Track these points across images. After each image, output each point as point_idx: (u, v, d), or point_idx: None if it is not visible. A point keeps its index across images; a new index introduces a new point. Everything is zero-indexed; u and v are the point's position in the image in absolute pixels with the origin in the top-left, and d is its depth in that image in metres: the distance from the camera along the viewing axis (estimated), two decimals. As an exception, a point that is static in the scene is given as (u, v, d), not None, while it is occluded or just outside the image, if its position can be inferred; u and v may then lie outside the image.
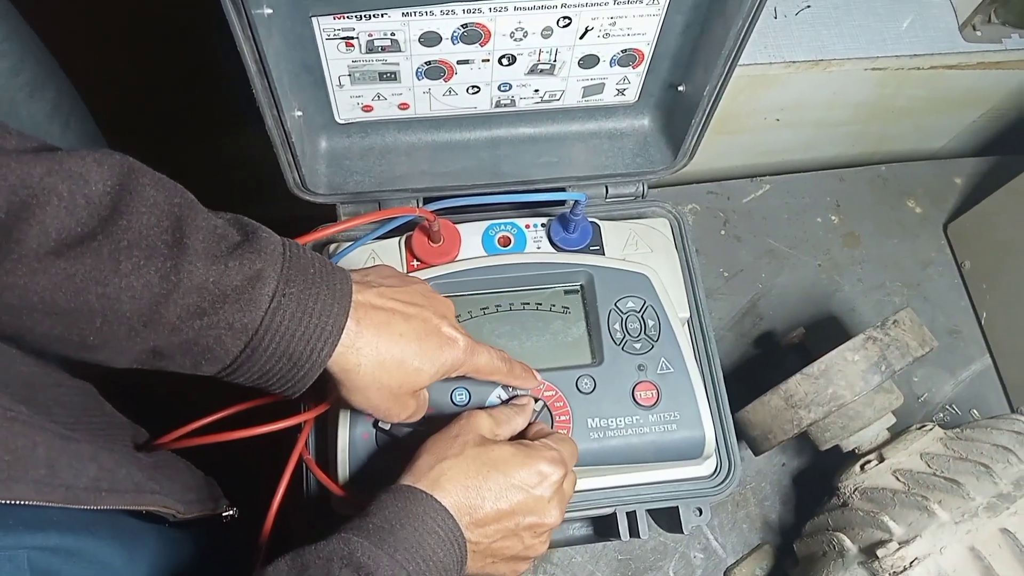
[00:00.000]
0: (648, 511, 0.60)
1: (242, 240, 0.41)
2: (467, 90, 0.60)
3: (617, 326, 0.59)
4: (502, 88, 0.60)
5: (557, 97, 0.62)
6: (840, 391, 0.61)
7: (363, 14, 0.51)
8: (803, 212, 0.93)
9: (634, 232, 0.64)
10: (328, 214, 0.64)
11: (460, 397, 0.55)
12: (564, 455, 0.49)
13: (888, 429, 0.66)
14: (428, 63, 0.56)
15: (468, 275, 0.60)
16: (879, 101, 0.93)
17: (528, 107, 0.63)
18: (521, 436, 0.53)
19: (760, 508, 0.78)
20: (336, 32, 0.52)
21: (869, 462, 0.65)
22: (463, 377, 0.56)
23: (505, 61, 0.57)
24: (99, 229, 0.36)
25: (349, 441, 0.54)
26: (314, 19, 0.51)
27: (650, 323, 0.59)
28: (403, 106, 0.61)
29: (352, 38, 0.53)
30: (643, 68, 0.61)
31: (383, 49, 0.54)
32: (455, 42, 0.54)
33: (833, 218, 0.93)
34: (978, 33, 0.86)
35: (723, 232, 0.91)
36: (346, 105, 0.60)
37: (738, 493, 0.78)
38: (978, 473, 0.58)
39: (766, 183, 0.94)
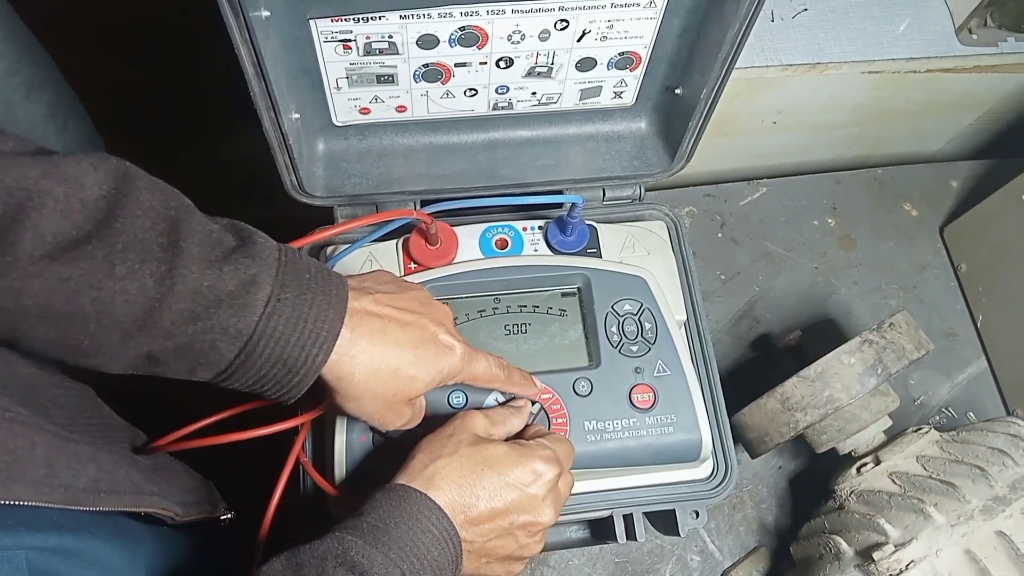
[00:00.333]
0: (645, 514, 0.60)
1: (238, 245, 0.41)
2: (464, 93, 0.60)
3: (614, 329, 0.59)
4: (499, 91, 0.60)
5: (554, 100, 0.62)
6: (836, 394, 0.61)
7: (361, 17, 0.51)
8: (800, 215, 0.93)
9: (631, 235, 0.64)
10: (325, 216, 0.64)
11: (457, 400, 0.55)
12: (559, 454, 0.49)
13: (884, 432, 0.67)
14: (426, 66, 0.56)
15: (465, 278, 0.60)
16: (876, 104, 0.93)
17: (525, 110, 0.63)
18: (518, 437, 0.53)
19: (757, 511, 0.78)
20: (334, 35, 0.52)
21: (865, 465, 0.65)
22: (461, 380, 0.57)
23: (503, 64, 0.57)
24: (94, 232, 0.36)
25: (346, 443, 0.54)
26: (312, 21, 0.51)
27: (647, 326, 0.59)
28: (400, 108, 0.61)
29: (350, 40, 0.53)
30: (640, 71, 0.61)
31: (381, 52, 0.54)
32: (453, 45, 0.54)
33: (830, 221, 0.93)
34: (974, 37, 0.87)
35: (720, 235, 0.91)
36: (343, 107, 0.60)
37: (735, 496, 0.78)
38: (974, 476, 0.58)
39: (763, 186, 0.94)
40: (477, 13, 0.52)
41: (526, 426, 0.54)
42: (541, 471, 0.47)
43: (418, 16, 0.52)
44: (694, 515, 0.60)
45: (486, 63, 0.57)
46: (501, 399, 0.56)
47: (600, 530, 0.71)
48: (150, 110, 1.00)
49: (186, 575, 0.49)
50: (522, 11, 0.52)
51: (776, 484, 0.79)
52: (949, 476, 0.59)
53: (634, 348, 0.58)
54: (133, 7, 0.86)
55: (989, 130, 1.04)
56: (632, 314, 0.59)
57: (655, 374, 0.58)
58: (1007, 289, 0.83)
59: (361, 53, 0.54)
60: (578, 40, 0.56)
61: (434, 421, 0.54)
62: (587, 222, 0.63)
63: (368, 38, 0.53)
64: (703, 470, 0.60)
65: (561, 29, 0.55)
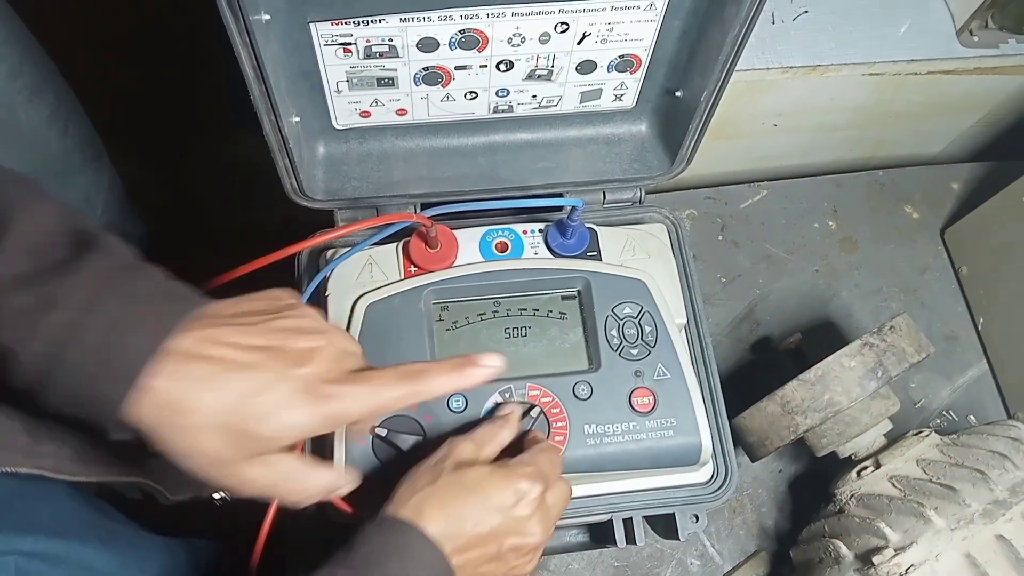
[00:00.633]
0: (645, 518, 0.60)
1: (64, 259, 0.36)
2: (465, 96, 0.60)
3: (614, 332, 0.59)
4: (500, 94, 0.60)
5: (555, 103, 0.62)
6: (837, 397, 0.61)
7: (361, 20, 0.51)
8: (800, 217, 0.93)
9: (631, 238, 0.64)
10: (326, 220, 0.64)
11: (457, 404, 0.55)
12: (543, 468, 0.48)
13: (885, 435, 0.66)
14: (426, 69, 0.56)
15: (465, 281, 0.60)
16: (876, 106, 0.93)
17: (526, 113, 0.63)
18: (516, 445, 0.52)
19: (757, 515, 0.78)
20: (334, 38, 0.52)
21: (866, 468, 0.65)
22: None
23: (503, 67, 0.57)
24: None
25: (346, 448, 0.54)
26: (312, 25, 0.51)
27: (647, 329, 0.59)
28: (401, 112, 0.61)
29: (350, 44, 0.53)
30: (640, 74, 0.61)
31: (381, 55, 0.54)
32: (453, 48, 0.54)
33: (830, 223, 0.93)
34: (975, 38, 0.87)
35: (720, 238, 0.91)
36: (344, 111, 0.60)
37: (735, 500, 0.78)
38: (974, 480, 0.58)
39: (763, 188, 0.94)
40: (477, 16, 0.52)
41: (526, 432, 0.54)
42: (524, 490, 0.46)
43: (418, 19, 0.52)
44: (694, 519, 0.59)
45: (486, 66, 0.57)
46: (501, 402, 0.56)
47: (600, 534, 0.71)
48: (151, 113, 1.00)
49: None
50: (522, 14, 0.52)
51: (776, 488, 0.79)
52: (949, 480, 0.59)
53: (634, 351, 0.58)
54: (134, 10, 0.86)
55: (990, 132, 1.04)
56: (632, 317, 0.59)
57: (655, 377, 0.58)
58: (1008, 292, 0.83)
59: (361, 56, 0.54)
60: (578, 43, 0.56)
61: (435, 427, 0.54)
62: (587, 225, 0.63)
63: (368, 41, 0.53)
64: (703, 474, 0.60)
65: (561, 32, 0.55)
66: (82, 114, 0.89)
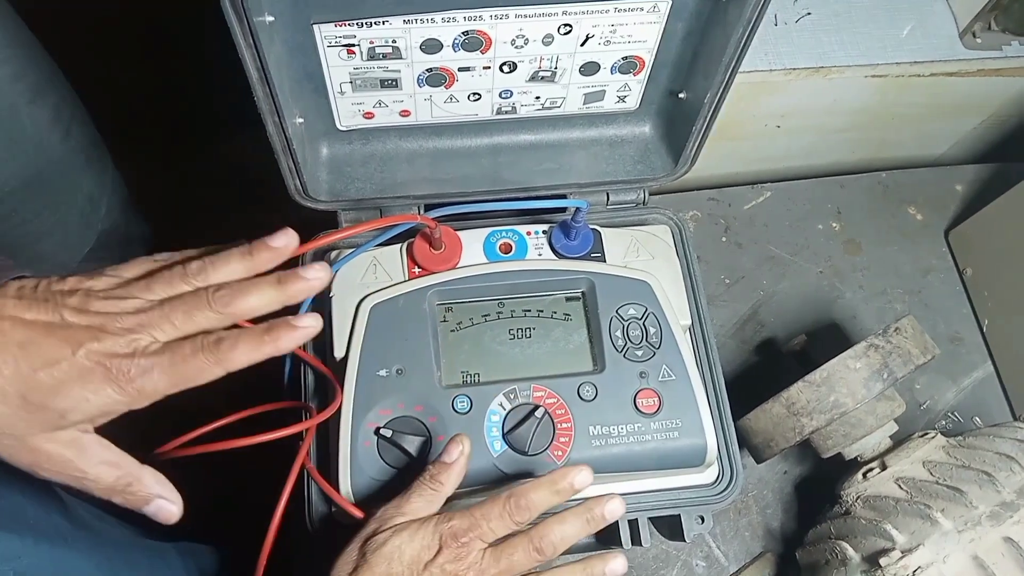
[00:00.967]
0: (650, 519, 0.60)
1: None
2: (468, 97, 0.60)
3: (619, 333, 0.59)
4: (503, 95, 0.60)
5: (558, 104, 0.62)
6: (842, 399, 0.61)
7: (364, 21, 0.51)
8: (804, 219, 0.93)
9: (635, 239, 0.64)
10: (329, 221, 0.64)
11: (462, 405, 0.55)
12: (474, 519, 0.45)
13: (890, 437, 0.66)
14: (429, 70, 0.56)
15: (469, 282, 0.60)
16: (880, 108, 0.93)
17: (529, 114, 0.63)
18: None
19: (762, 516, 0.77)
20: (337, 39, 0.52)
21: (871, 470, 0.64)
22: (464, 384, 0.57)
23: (506, 68, 0.57)
24: None
25: (351, 449, 0.53)
26: (315, 26, 0.51)
27: (651, 330, 0.59)
28: (404, 113, 0.61)
29: (353, 45, 0.53)
30: (644, 75, 0.61)
31: (384, 56, 0.54)
32: (456, 49, 0.54)
33: (834, 225, 0.93)
34: (978, 40, 0.87)
35: (724, 239, 0.90)
36: (347, 112, 0.60)
37: (740, 501, 0.78)
38: (981, 481, 0.58)
39: (767, 190, 0.94)
40: (480, 18, 0.52)
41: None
42: (451, 533, 0.44)
43: (421, 21, 0.52)
44: (699, 520, 0.59)
45: (489, 67, 0.57)
46: (507, 405, 0.55)
47: (605, 535, 0.70)
48: (154, 114, 1.00)
49: None
50: (525, 16, 0.52)
51: (782, 489, 0.79)
52: (956, 481, 0.59)
53: (639, 353, 0.58)
54: (137, 11, 0.87)
55: (993, 134, 1.04)
56: (637, 318, 0.59)
57: (660, 379, 0.58)
58: (1013, 293, 0.83)
59: (365, 58, 0.54)
60: (581, 44, 0.56)
61: (440, 426, 0.54)
62: (591, 226, 0.63)
63: (372, 43, 0.53)
64: (708, 475, 0.60)
65: (564, 34, 0.55)
66: (85, 116, 0.89)
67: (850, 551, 0.60)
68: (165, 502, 0.43)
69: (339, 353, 0.57)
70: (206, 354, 0.40)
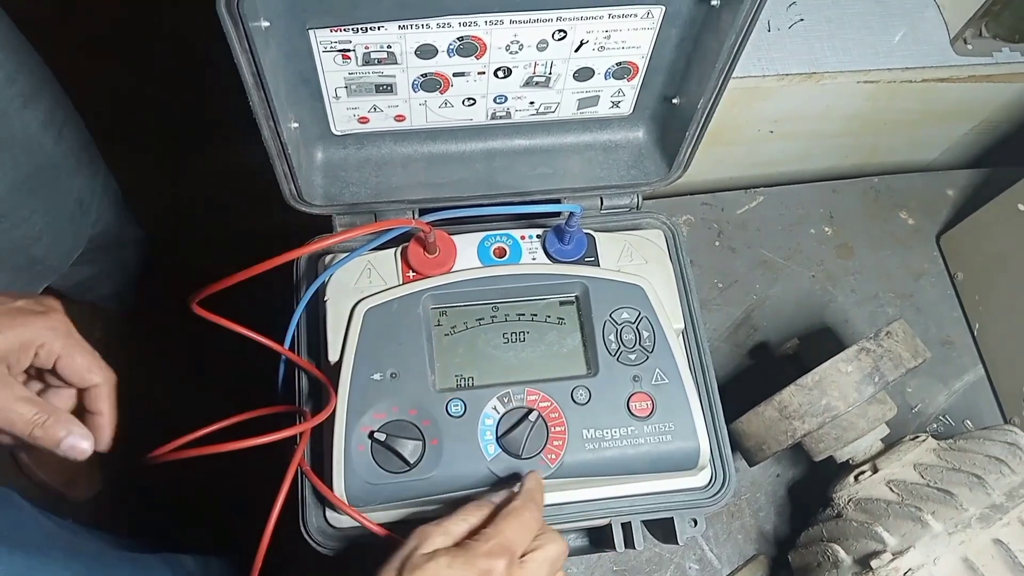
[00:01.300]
0: (643, 522, 0.60)
1: None
2: (463, 102, 0.60)
3: (612, 337, 0.59)
4: (498, 100, 0.60)
5: (552, 109, 0.63)
6: (834, 402, 0.61)
7: (360, 27, 0.51)
8: (797, 223, 0.93)
9: (629, 243, 0.64)
10: (324, 225, 0.65)
11: (456, 408, 0.55)
12: (507, 538, 0.45)
13: (882, 440, 0.67)
14: (424, 75, 0.56)
15: (463, 286, 0.60)
16: (872, 113, 0.94)
17: (524, 119, 0.63)
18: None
19: (755, 519, 0.78)
20: (333, 45, 0.53)
21: (863, 473, 0.65)
22: (458, 388, 0.57)
23: (501, 73, 0.57)
24: None
25: (345, 453, 0.54)
26: (311, 32, 0.51)
27: (645, 334, 0.59)
28: (399, 118, 0.61)
29: (349, 50, 0.53)
30: (638, 81, 0.61)
31: (379, 61, 0.54)
32: (451, 55, 0.55)
33: (827, 229, 0.93)
34: (969, 47, 0.87)
35: (717, 243, 0.91)
36: (342, 117, 0.60)
37: (733, 504, 0.78)
38: (971, 484, 0.58)
39: (760, 195, 0.94)
40: (475, 23, 0.52)
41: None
42: (488, 568, 0.43)
43: (417, 26, 0.52)
44: (692, 523, 0.60)
45: (484, 73, 0.57)
46: (500, 408, 0.56)
47: (598, 538, 0.71)
48: (148, 118, 1.00)
49: None
50: (520, 21, 0.53)
51: (774, 492, 0.79)
52: (946, 484, 0.59)
53: (632, 356, 0.59)
54: (131, 17, 0.87)
55: (985, 139, 1.05)
56: (630, 322, 0.60)
57: (653, 382, 0.58)
58: (1003, 297, 0.83)
59: (360, 63, 0.54)
60: (576, 50, 0.56)
61: (434, 430, 0.54)
62: (585, 231, 0.63)
63: (367, 48, 0.53)
64: (701, 478, 0.60)
65: (559, 39, 0.55)
66: (77, 119, 0.89)
67: (842, 553, 0.61)
68: (77, 438, 0.44)
69: (333, 357, 0.57)
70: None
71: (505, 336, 0.60)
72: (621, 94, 0.62)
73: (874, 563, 0.57)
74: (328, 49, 0.53)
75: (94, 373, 0.47)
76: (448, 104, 0.60)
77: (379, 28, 0.52)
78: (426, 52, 0.54)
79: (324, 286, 0.60)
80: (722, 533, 0.77)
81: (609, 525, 0.60)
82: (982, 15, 0.86)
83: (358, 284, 0.60)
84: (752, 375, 0.84)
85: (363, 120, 0.61)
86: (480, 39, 0.54)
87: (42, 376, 0.47)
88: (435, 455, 0.54)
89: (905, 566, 0.56)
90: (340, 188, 0.64)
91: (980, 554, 0.55)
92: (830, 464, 0.68)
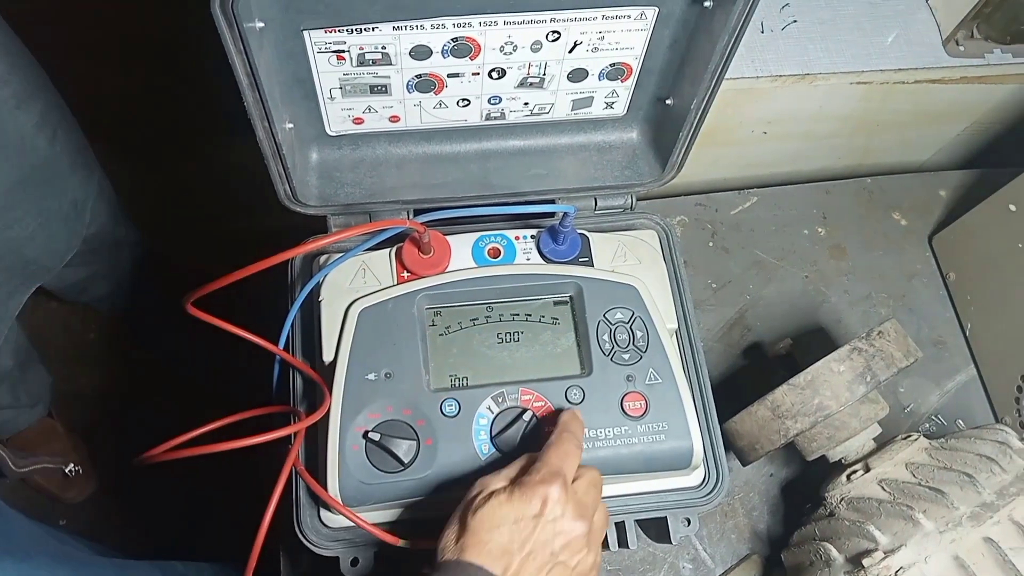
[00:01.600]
0: (637, 521, 0.60)
1: None
2: (457, 103, 0.60)
3: (606, 337, 0.59)
4: (492, 101, 0.61)
5: (546, 110, 0.63)
6: (826, 401, 0.61)
7: (354, 28, 0.52)
8: (790, 224, 0.93)
9: (623, 244, 0.64)
10: (319, 225, 0.65)
11: (450, 408, 0.55)
12: (554, 465, 0.48)
13: (874, 439, 0.67)
14: (419, 76, 0.57)
15: (458, 286, 0.60)
16: (865, 115, 0.94)
17: (518, 120, 0.64)
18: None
19: (748, 518, 0.78)
20: (327, 45, 0.53)
21: (855, 472, 0.65)
22: (453, 387, 0.57)
23: (495, 74, 0.58)
24: None
25: (339, 452, 0.54)
26: (305, 33, 0.51)
27: (638, 334, 0.60)
28: (394, 119, 0.61)
29: (343, 51, 0.53)
30: (631, 82, 0.61)
31: (374, 62, 0.55)
32: (445, 56, 0.55)
33: (820, 230, 0.93)
34: (961, 48, 0.88)
35: (711, 244, 0.91)
36: (337, 117, 0.60)
37: (726, 503, 0.78)
38: (962, 483, 0.58)
39: (753, 195, 0.95)
40: (469, 24, 0.52)
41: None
42: (544, 495, 0.46)
43: (411, 27, 0.52)
44: (686, 523, 0.60)
45: (479, 74, 0.57)
46: (495, 409, 0.56)
47: (592, 538, 0.71)
48: (142, 119, 1.00)
49: None
50: (514, 22, 0.53)
51: (767, 491, 0.79)
52: (938, 483, 0.60)
53: (626, 356, 0.59)
54: (125, 18, 0.87)
55: (977, 140, 1.06)
56: (624, 322, 0.60)
57: (647, 382, 0.58)
58: (995, 298, 0.84)
59: (354, 64, 0.55)
60: (570, 51, 0.57)
61: (428, 429, 0.54)
62: (579, 231, 0.64)
63: (361, 49, 0.53)
64: (694, 478, 0.60)
65: (553, 40, 0.55)
66: (72, 121, 0.89)
67: (834, 552, 0.61)
68: None
69: (328, 357, 0.57)
70: None
71: (499, 336, 0.60)
72: (615, 95, 0.63)
73: (866, 562, 0.57)
74: (323, 50, 0.53)
75: None
76: (442, 105, 0.60)
77: (373, 29, 0.52)
78: (420, 53, 0.54)
79: (319, 286, 0.60)
80: (715, 532, 0.77)
81: (603, 524, 0.60)
82: (974, 17, 0.86)
83: (353, 284, 0.60)
84: (745, 375, 0.85)
85: (358, 121, 0.61)
86: (474, 40, 0.54)
87: None
88: (429, 455, 0.54)
89: (896, 564, 0.56)
90: (335, 189, 0.64)
91: (971, 552, 0.56)
92: (823, 463, 0.68)
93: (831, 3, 0.89)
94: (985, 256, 0.85)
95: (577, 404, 0.57)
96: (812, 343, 0.85)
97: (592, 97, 0.62)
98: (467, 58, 0.55)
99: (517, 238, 0.63)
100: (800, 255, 0.92)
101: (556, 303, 0.61)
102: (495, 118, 0.63)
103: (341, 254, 0.61)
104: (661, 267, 0.64)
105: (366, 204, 0.64)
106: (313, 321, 0.60)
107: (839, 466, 0.67)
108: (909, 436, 0.66)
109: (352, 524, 0.54)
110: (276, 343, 0.60)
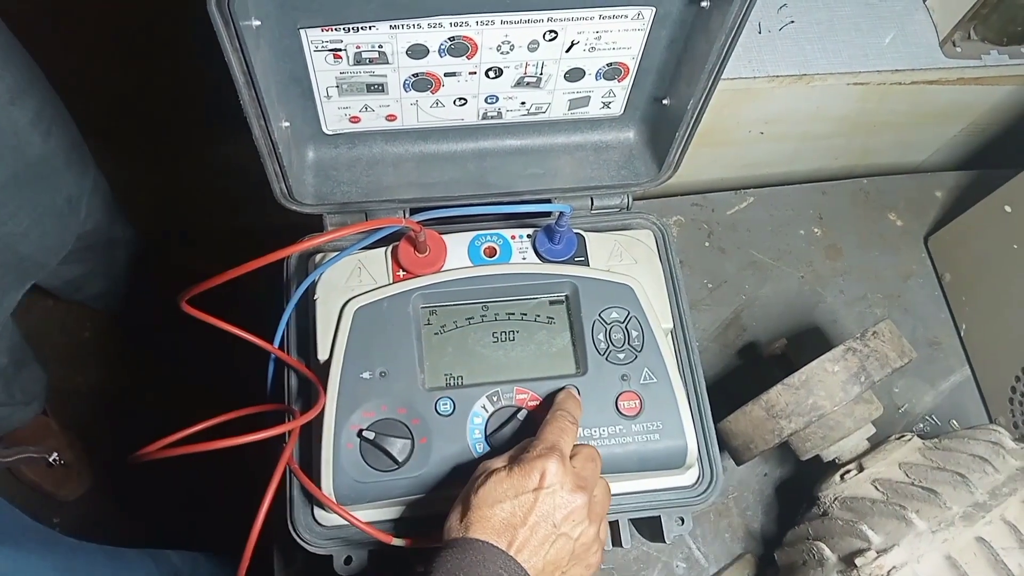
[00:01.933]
0: (631, 520, 0.60)
1: None
2: (454, 102, 0.60)
3: (601, 336, 0.59)
4: (489, 100, 0.61)
5: (543, 110, 0.63)
6: (820, 401, 0.62)
7: (351, 26, 0.51)
8: (786, 224, 0.94)
9: (619, 243, 0.64)
10: (315, 224, 0.65)
11: (445, 407, 0.55)
12: (550, 440, 0.49)
13: (868, 439, 0.67)
14: (415, 75, 0.57)
15: (454, 285, 0.60)
16: (861, 115, 0.94)
17: (515, 119, 0.64)
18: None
19: (742, 518, 0.78)
20: (324, 44, 0.53)
21: (849, 472, 0.65)
22: (448, 386, 0.57)
23: (492, 74, 0.58)
24: None
25: (333, 451, 0.54)
26: (302, 31, 0.51)
27: (634, 334, 0.60)
28: (390, 117, 0.61)
29: (340, 50, 0.53)
30: (628, 82, 0.61)
31: (371, 61, 0.55)
32: (442, 55, 0.55)
33: (816, 231, 0.94)
34: (958, 49, 0.88)
35: (707, 244, 0.91)
36: (334, 116, 0.60)
37: (720, 503, 0.79)
38: (955, 483, 0.59)
39: (750, 196, 0.95)
40: (467, 24, 0.52)
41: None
42: (541, 469, 0.47)
43: (408, 26, 0.52)
44: (680, 522, 0.60)
45: (475, 73, 0.57)
46: (489, 408, 0.56)
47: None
48: (138, 116, 1.00)
49: None
50: (511, 22, 0.53)
51: (761, 491, 0.80)
52: (931, 483, 0.60)
53: (621, 356, 0.59)
54: (121, 14, 0.86)
55: (973, 141, 1.06)
56: (619, 322, 0.60)
57: (642, 382, 0.58)
58: (990, 298, 0.84)
59: (351, 62, 0.55)
60: (567, 51, 0.57)
61: (423, 428, 0.54)
62: (575, 231, 0.64)
63: (358, 47, 0.53)
64: (689, 477, 0.60)
65: (550, 40, 0.55)
66: (67, 117, 0.89)
67: (827, 551, 0.61)
68: None
69: (323, 356, 0.57)
70: None
71: (495, 335, 0.60)
72: (612, 95, 0.63)
73: (859, 561, 0.57)
74: (319, 48, 0.53)
75: None
76: (439, 104, 0.60)
77: (370, 28, 0.52)
78: (417, 52, 0.54)
79: (314, 285, 0.60)
80: (709, 532, 0.77)
81: (597, 523, 0.60)
82: (971, 18, 0.86)
83: (348, 283, 0.60)
84: (740, 375, 0.85)
85: (354, 119, 0.61)
86: (471, 39, 0.54)
87: None
88: (424, 453, 0.54)
89: (889, 564, 0.56)
90: (331, 187, 0.64)
91: (963, 552, 0.56)
92: (817, 463, 0.69)
93: (828, 4, 0.89)
94: (980, 257, 0.85)
95: (572, 403, 0.57)
96: (807, 343, 0.85)
97: (589, 97, 0.62)
98: (464, 57, 0.55)
99: (513, 237, 0.63)
100: (796, 255, 0.92)
101: (552, 302, 0.61)
102: (492, 117, 0.63)
103: (337, 253, 0.60)
104: (657, 267, 0.64)
105: (362, 203, 0.64)
106: (308, 320, 0.60)
107: (833, 466, 0.67)
108: (903, 436, 0.66)
109: (346, 522, 0.54)
110: (271, 341, 0.60)
